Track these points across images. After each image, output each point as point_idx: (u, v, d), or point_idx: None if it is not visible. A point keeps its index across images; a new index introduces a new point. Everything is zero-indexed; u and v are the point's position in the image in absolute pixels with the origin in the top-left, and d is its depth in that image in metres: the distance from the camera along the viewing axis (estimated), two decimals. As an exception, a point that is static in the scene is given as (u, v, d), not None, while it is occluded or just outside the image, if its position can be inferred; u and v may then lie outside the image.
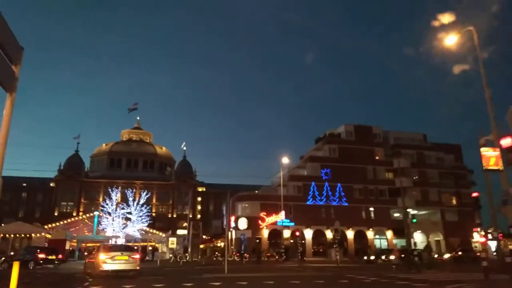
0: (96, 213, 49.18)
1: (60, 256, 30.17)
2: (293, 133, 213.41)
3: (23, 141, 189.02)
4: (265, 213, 48.76)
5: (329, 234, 50.77)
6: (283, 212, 43.56)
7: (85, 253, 33.27)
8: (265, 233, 49.29)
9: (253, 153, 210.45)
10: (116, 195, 42.14)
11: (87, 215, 50.45)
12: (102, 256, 18.34)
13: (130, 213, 41.13)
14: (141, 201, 43.87)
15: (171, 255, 41.54)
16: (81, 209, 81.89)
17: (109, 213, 41.10)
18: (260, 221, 48.93)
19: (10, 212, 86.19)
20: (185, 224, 76.65)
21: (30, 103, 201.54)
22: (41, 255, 27.36)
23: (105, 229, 44.04)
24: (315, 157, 55.07)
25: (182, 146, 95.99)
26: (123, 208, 41.39)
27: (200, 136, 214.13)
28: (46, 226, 46.78)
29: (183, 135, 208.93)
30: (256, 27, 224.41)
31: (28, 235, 38.35)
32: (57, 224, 48.05)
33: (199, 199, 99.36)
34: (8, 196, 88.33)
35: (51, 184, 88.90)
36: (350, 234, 50.82)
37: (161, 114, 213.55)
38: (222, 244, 61.11)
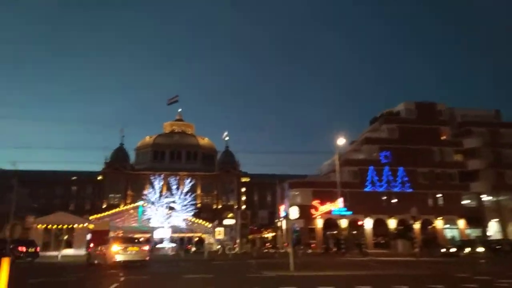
0: (140, 203, 46.47)
1: (38, 249, 28.83)
2: (338, 119, 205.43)
3: (71, 138, 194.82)
4: (318, 201, 43.75)
5: (391, 223, 45.01)
6: (340, 200, 38.42)
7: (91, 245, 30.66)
8: (318, 223, 44.31)
9: (296, 142, 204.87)
10: (159, 184, 38.91)
11: (132, 205, 47.94)
12: (114, 247, 19.12)
13: (174, 202, 37.78)
14: (185, 190, 40.38)
15: (218, 246, 37.83)
16: (128, 201, 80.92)
17: (153, 203, 37.92)
18: (313, 210, 44.01)
19: (62, 205, 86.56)
20: (230, 215, 73.95)
21: (77, 99, 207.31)
22: (21, 248, 26.79)
23: (149, 220, 41.04)
24: (372, 138, 49.14)
25: (224, 136, 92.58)
26: (166, 197, 38.09)
27: (241, 126, 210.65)
28: (91, 217, 44.66)
29: (224, 126, 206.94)
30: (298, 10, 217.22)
31: (70, 226, 35.99)
32: (102, 214, 45.78)
33: (243, 189, 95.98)
34: (60, 190, 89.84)
35: (99, 178, 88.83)
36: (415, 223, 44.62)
37: (202, 105, 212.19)
38: (270, 235, 57.01)
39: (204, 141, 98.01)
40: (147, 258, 20.02)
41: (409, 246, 38.37)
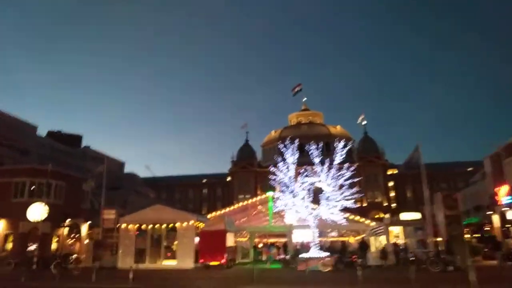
0: (269, 193, 32.06)
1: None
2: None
3: (198, 137, 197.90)
4: None
5: None
6: None
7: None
8: None
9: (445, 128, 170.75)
10: (294, 152, 23.61)
11: (258, 197, 33.88)
12: None
13: (320, 181, 21.92)
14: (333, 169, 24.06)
15: (390, 256, 20.90)
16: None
17: (287, 188, 22.48)
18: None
19: (194, 209, 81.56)
20: (377, 216, 55.57)
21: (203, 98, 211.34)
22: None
23: (283, 214, 26.13)
24: None
25: (360, 119, 73.76)
26: (306, 176, 22.47)
27: (377, 116, 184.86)
28: (209, 216, 31.98)
29: (357, 112, 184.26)
30: None
31: (171, 225, 23.28)
32: (219, 212, 32.66)
33: (391, 184, 75.48)
34: (191, 194, 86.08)
35: (228, 179, 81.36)
36: None
37: (329, 92, 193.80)
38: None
39: (337, 129, 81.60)
40: None
41: None
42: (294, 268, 21.35)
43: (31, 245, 27.36)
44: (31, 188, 29.66)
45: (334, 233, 30.86)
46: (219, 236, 22.80)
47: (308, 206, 22.42)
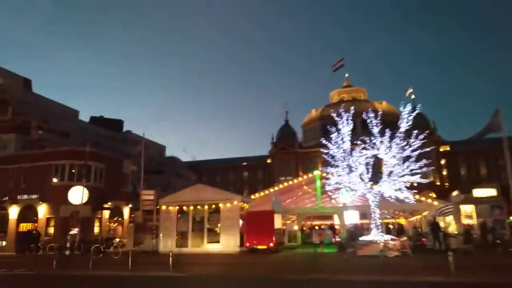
0: (316, 172, 29.25)
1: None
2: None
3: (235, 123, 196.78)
4: None
5: None
6: None
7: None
8: None
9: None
10: (347, 121, 20.49)
11: (304, 176, 31.12)
12: None
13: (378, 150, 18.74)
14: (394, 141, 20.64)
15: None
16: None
17: (342, 161, 19.38)
18: None
19: (236, 192, 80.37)
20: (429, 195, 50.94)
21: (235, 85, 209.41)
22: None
23: (331, 194, 23.31)
24: None
25: (408, 93, 68.04)
26: (364, 148, 19.38)
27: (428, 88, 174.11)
28: (253, 196, 29.84)
29: (399, 89, 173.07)
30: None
31: (213, 206, 21.21)
32: (263, 193, 30.30)
33: (443, 162, 69.86)
34: (232, 177, 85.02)
35: (268, 161, 79.13)
36: None
37: (370, 69, 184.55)
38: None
39: (382, 105, 76.31)
40: None
41: None
42: (353, 252, 18.59)
43: (73, 229, 26.57)
44: (72, 171, 28.83)
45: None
46: (267, 217, 20.42)
47: (367, 183, 19.39)
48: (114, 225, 33.79)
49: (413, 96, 67.81)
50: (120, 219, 33.76)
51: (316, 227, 29.49)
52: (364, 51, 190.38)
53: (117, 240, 28.70)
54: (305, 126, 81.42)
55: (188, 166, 75.79)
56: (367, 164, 19.62)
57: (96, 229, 29.87)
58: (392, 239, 18.51)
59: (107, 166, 30.91)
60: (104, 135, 50.74)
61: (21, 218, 29.01)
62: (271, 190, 30.52)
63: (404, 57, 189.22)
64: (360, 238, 19.12)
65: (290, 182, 31.83)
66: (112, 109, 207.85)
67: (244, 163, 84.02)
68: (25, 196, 28.74)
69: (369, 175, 19.61)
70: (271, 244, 20.16)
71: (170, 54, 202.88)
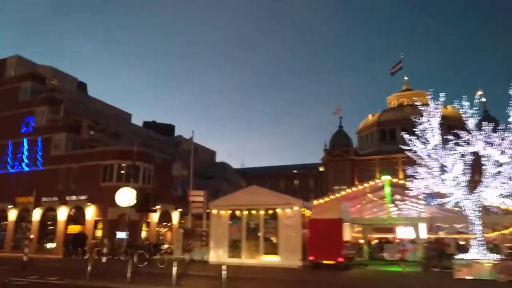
0: (385, 178, 25.27)
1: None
2: None
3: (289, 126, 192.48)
4: None
5: None
6: None
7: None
8: None
9: None
10: (436, 111, 16.59)
11: (370, 182, 27.09)
12: None
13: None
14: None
15: None
16: (355, 193, 61.95)
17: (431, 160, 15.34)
18: None
19: (286, 201, 77.39)
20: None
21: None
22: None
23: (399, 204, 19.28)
24: None
25: (478, 95, 60.68)
26: (457, 136, 15.38)
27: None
28: (315, 202, 26.51)
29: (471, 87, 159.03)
30: None
31: (271, 211, 18.21)
32: (325, 199, 26.73)
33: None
34: (282, 184, 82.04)
35: (320, 169, 75.20)
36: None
37: (431, 72, 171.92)
38: None
39: (447, 110, 69.31)
40: None
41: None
42: (441, 273, 14.64)
43: (120, 233, 24.91)
44: (120, 172, 27.41)
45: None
46: (335, 226, 17.00)
47: (460, 188, 15.32)
48: (163, 230, 32.01)
49: (483, 99, 60.90)
50: (169, 224, 31.92)
51: (388, 240, 25.35)
52: (427, 51, 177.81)
53: (166, 246, 26.72)
54: (361, 132, 76.35)
55: (237, 173, 73.97)
56: (464, 163, 15.59)
57: (144, 234, 28.11)
58: (502, 259, 14.28)
59: (156, 167, 29.26)
60: (155, 138, 50.19)
61: (70, 220, 28.10)
62: (332, 197, 26.91)
63: (469, 57, 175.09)
64: (457, 257, 15.03)
65: (348, 190, 28.06)
66: (164, 116, 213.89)
67: (295, 171, 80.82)
68: (74, 197, 27.85)
69: (466, 178, 15.57)
70: (340, 259, 16.72)
71: (220, 64, 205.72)
